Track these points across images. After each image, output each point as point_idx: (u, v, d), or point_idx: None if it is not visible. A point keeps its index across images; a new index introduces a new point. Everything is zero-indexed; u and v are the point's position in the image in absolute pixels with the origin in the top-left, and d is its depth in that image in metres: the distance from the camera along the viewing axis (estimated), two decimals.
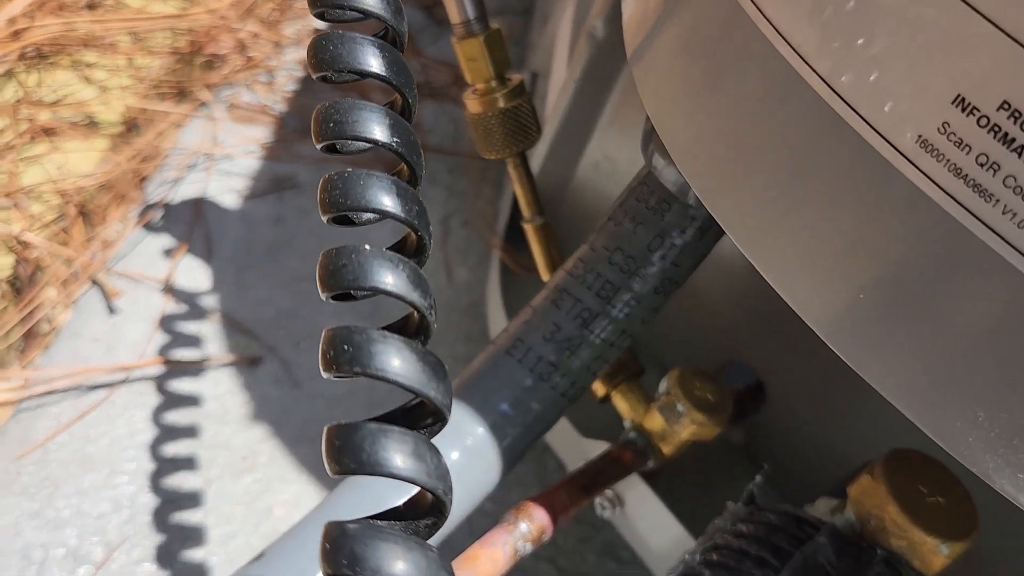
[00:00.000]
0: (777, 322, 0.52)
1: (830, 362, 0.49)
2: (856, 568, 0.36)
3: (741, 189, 0.31)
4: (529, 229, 0.48)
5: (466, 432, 0.40)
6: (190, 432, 0.54)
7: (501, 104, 0.43)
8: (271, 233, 0.67)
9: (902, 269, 0.26)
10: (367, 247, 0.23)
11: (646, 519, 0.48)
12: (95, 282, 0.60)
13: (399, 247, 0.25)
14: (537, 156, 0.58)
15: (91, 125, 0.77)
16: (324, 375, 0.22)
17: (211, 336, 0.59)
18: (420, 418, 0.23)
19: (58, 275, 0.60)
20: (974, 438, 0.26)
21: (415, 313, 0.23)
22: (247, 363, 0.58)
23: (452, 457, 0.40)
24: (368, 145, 0.25)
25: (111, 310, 0.59)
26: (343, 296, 0.24)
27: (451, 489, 0.21)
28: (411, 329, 0.24)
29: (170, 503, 0.50)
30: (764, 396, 0.53)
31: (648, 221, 0.40)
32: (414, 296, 0.22)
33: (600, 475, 0.43)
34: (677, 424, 0.43)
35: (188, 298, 0.61)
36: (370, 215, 0.26)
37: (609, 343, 0.41)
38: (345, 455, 0.20)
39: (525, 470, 0.53)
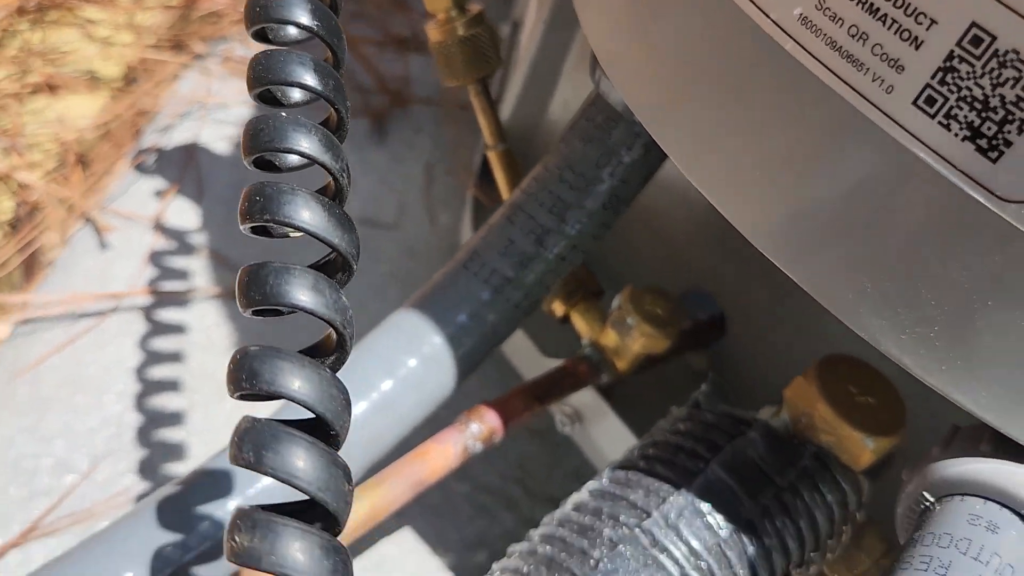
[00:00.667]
0: (738, 249, 0.53)
1: (790, 288, 0.51)
2: (786, 461, 0.37)
3: (673, 108, 0.32)
4: (492, 156, 0.49)
5: (424, 341, 0.42)
6: (177, 359, 0.57)
7: (460, 32, 0.45)
8: (260, 177, 0.69)
9: (800, 152, 0.28)
10: (284, 114, 0.25)
11: (604, 435, 0.50)
12: (88, 220, 0.63)
13: (323, 123, 0.27)
14: (509, 97, 0.60)
15: (93, 79, 0.79)
16: (241, 228, 0.24)
17: (199, 271, 0.61)
18: (332, 271, 0.25)
19: (55, 213, 0.63)
20: (864, 306, 0.27)
21: (330, 178, 0.26)
22: (233, 296, 0.60)
23: (410, 364, 0.42)
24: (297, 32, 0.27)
25: (103, 246, 0.62)
26: (264, 164, 0.26)
27: (351, 324, 0.23)
28: (329, 192, 0.26)
29: (155, 422, 0.53)
30: (725, 325, 0.54)
31: (596, 139, 0.42)
32: (325, 158, 0.24)
33: (554, 386, 0.45)
34: (628, 338, 0.45)
35: (178, 235, 0.63)
36: (297, 99, 0.28)
37: (561, 257, 0.43)
38: (251, 289, 0.22)
39: (492, 393, 0.55)
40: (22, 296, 0.57)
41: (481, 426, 0.41)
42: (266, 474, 0.20)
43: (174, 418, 0.53)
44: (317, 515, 0.21)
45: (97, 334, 0.57)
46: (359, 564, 0.51)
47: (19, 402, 0.52)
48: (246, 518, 0.19)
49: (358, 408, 0.41)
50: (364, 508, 0.36)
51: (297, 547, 0.19)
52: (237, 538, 0.19)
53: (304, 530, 0.19)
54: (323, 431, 0.22)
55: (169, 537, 0.37)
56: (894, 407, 0.39)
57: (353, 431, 0.40)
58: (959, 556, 0.26)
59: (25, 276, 0.60)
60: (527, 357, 0.54)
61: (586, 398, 0.50)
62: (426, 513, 0.54)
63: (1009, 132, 0.22)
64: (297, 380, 0.21)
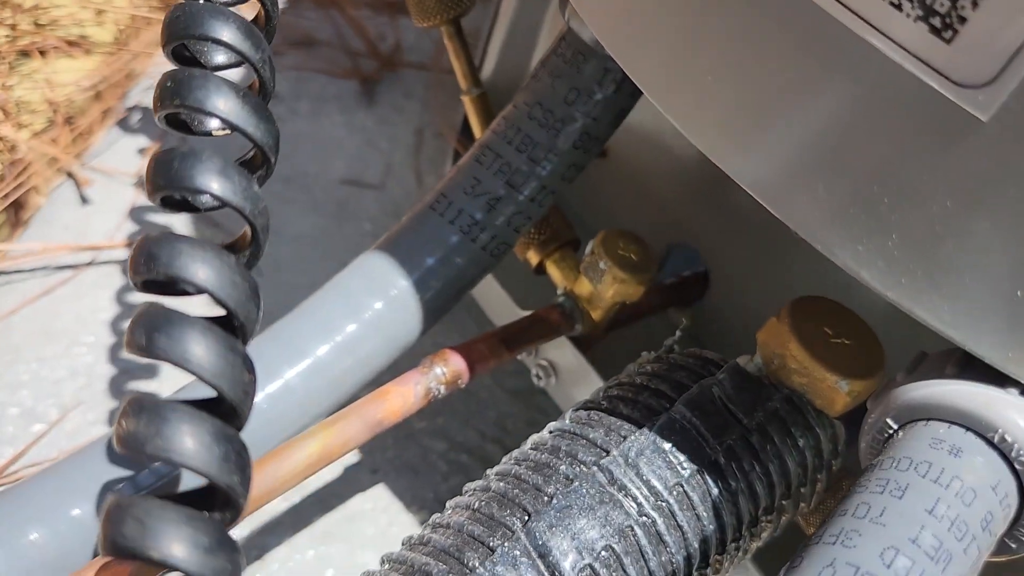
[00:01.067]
0: (723, 202, 0.52)
1: (774, 243, 0.49)
2: (754, 402, 0.36)
3: (646, 39, 0.31)
4: (467, 101, 0.48)
5: (390, 284, 0.41)
6: None
7: None
8: None
9: (747, 48, 0.26)
10: (203, 1, 0.24)
11: (580, 388, 0.49)
12: (69, 174, 0.62)
13: (254, 20, 0.26)
14: (491, 55, 0.59)
15: (85, 42, 0.79)
16: (156, 120, 0.23)
17: (180, 227, 0.61)
18: (254, 168, 0.24)
19: (40, 170, 0.62)
20: (818, 212, 0.26)
21: (255, 75, 0.24)
22: None
23: (376, 307, 0.41)
24: None
25: (84, 200, 0.61)
26: (188, 61, 0.25)
27: (264, 215, 0.22)
28: (254, 89, 0.25)
29: (127, 374, 0.52)
30: (708, 282, 0.53)
31: (565, 74, 0.40)
32: (244, 47, 0.23)
33: (524, 332, 0.44)
34: (600, 284, 0.43)
35: None
36: None
37: (531, 199, 0.42)
38: (157, 174, 0.21)
39: None
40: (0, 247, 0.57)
41: (445, 369, 0.40)
42: (157, 358, 0.19)
43: (146, 370, 0.53)
44: (223, 412, 0.20)
45: (74, 286, 0.56)
46: (330, 519, 0.50)
47: None
48: (135, 403, 0.18)
49: (320, 349, 0.40)
50: (316, 446, 0.35)
51: (185, 431, 0.18)
52: (123, 423, 0.18)
53: (194, 415, 0.18)
54: (227, 322, 0.20)
55: (121, 474, 0.36)
56: (872, 351, 0.37)
57: (315, 373, 0.40)
58: (917, 479, 0.24)
59: (11, 231, 0.60)
60: (503, 309, 0.53)
61: (568, 357, 0.48)
62: (401, 470, 0.53)
63: (963, 7, 0.20)
64: (196, 264, 0.20)
